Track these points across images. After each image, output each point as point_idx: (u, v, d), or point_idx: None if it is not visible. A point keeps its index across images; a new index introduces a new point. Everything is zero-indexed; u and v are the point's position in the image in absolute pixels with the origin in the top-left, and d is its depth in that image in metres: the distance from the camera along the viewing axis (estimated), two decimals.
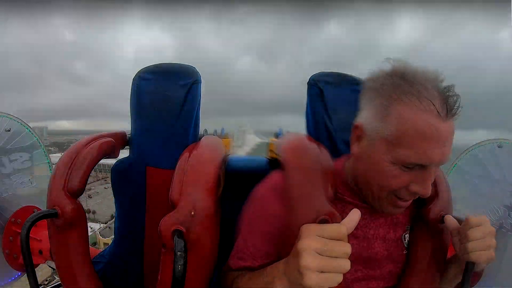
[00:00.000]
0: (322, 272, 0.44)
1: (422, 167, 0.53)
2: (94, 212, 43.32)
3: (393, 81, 0.53)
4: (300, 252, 0.45)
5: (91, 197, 50.91)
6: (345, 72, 0.91)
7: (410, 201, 0.60)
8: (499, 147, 0.91)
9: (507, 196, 0.88)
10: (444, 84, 0.52)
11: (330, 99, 0.86)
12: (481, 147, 0.95)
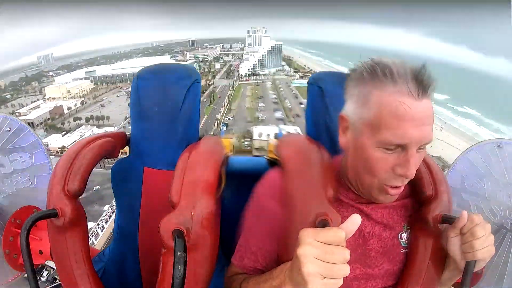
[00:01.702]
0: (324, 277, 0.44)
1: (404, 148, 0.55)
2: (108, 118, 45.98)
3: (370, 70, 0.57)
4: (301, 259, 0.45)
5: (104, 106, 52.92)
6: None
7: (401, 188, 0.60)
8: (499, 147, 0.91)
9: (507, 196, 0.88)
10: (417, 66, 0.54)
11: (332, 98, 0.86)
12: (481, 147, 0.95)
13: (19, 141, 1.15)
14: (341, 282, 0.45)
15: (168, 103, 0.87)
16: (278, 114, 49.36)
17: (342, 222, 0.49)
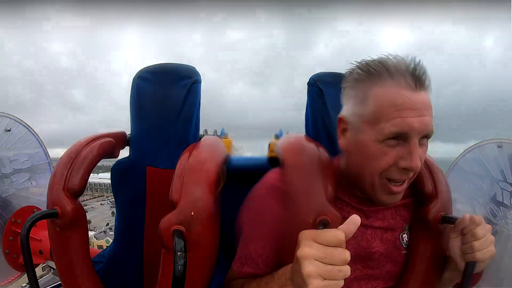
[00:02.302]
0: (324, 279, 0.44)
1: (405, 140, 0.55)
2: (89, 222, 47.47)
3: (366, 69, 0.58)
4: (301, 261, 0.45)
5: (87, 212, 53.97)
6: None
7: (404, 185, 0.60)
8: (499, 147, 0.91)
9: (507, 196, 0.88)
10: (412, 62, 0.56)
11: (331, 99, 0.86)
12: (481, 147, 0.95)
13: (19, 141, 1.15)
14: (341, 283, 0.44)
15: (168, 103, 0.87)
16: None
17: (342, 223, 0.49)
